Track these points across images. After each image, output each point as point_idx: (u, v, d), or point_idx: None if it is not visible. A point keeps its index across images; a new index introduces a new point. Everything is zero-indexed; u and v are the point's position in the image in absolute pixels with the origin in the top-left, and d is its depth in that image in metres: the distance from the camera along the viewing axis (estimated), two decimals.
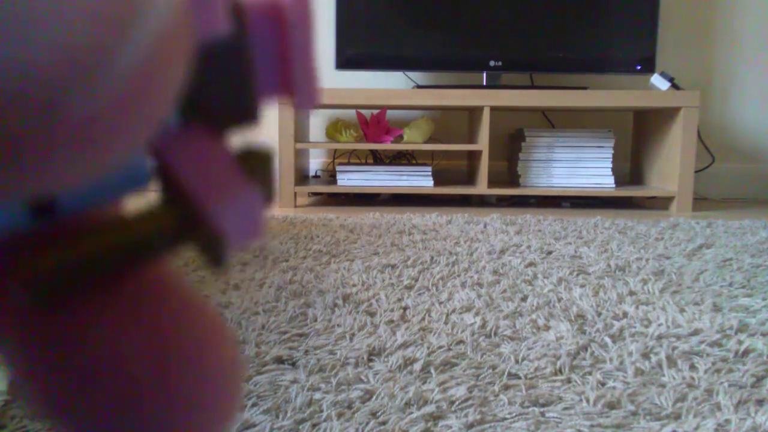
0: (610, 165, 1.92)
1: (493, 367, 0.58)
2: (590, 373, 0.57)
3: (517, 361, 0.60)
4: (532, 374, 0.57)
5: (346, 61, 1.96)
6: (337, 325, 0.70)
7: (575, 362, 0.59)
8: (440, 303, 0.79)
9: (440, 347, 0.63)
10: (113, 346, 0.22)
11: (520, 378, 0.56)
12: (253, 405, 0.49)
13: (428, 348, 0.62)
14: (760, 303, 0.80)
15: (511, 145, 2.10)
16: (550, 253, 1.11)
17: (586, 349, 0.63)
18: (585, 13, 1.96)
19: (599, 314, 0.75)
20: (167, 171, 0.22)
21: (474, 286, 0.88)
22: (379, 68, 1.99)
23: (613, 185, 1.91)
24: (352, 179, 1.90)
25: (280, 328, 0.67)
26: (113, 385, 0.22)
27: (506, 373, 0.57)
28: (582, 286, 0.88)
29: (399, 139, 2.00)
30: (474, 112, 2.00)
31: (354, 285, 0.87)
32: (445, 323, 0.71)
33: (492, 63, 1.97)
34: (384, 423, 0.47)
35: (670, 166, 1.89)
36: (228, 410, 0.25)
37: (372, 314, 0.74)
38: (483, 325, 0.69)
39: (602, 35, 1.97)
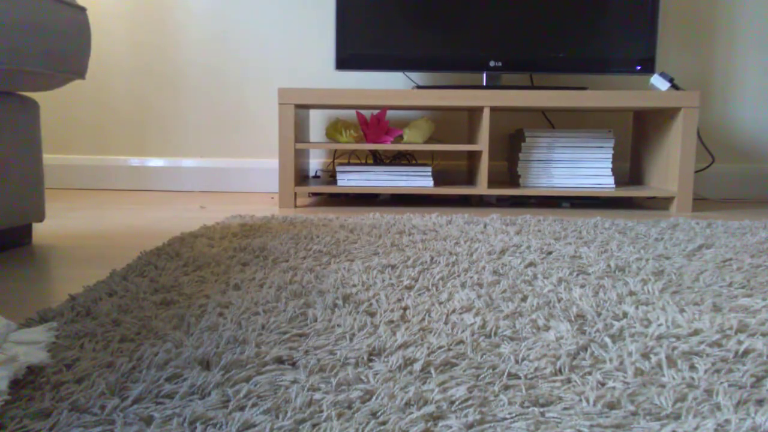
0: (610, 165, 1.92)
1: (493, 367, 0.58)
2: (590, 374, 0.57)
3: (517, 361, 0.60)
4: (532, 374, 0.57)
5: (346, 61, 1.97)
6: (337, 325, 0.70)
7: (575, 362, 0.59)
8: (440, 303, 0.79)
9: (440, 347, 0.63)
10: None
11: (520, 378, 0.56)
12: (253, 405, 0.49)
13: (428, 348, 0.62)
14: (759, 303, 0.80)
15: (511, 145, 2.10)
16: (550, 253, 1.11)
17: (586, 350, 0.63)
18: (585, 13, 1.96)
19: (599, 314, 0.75)
20: None
21: (474, 286, 0.88)
22: (379, 68, 1.99)
23: (613, 185, 1.91)
24: (352, 179, 1.90)
25: (280, 328, 0.68)
26: None
27: (506, 373, 0.57)
28: (582, 286, 0.88)
29: (399, 139, 2.00)
30: (474, 112, 2.00)
31: (354, 285, 0.87)
32: (445, 323, 0.71)
33: (492, 63, 1.97)
34: (384, 423, 0.47)
35: (670, 166, 1.89)
36: None
37: (372, 314, 0.74)
38: (483, 326, 0.69)
39: (602, 35, 1.97)
